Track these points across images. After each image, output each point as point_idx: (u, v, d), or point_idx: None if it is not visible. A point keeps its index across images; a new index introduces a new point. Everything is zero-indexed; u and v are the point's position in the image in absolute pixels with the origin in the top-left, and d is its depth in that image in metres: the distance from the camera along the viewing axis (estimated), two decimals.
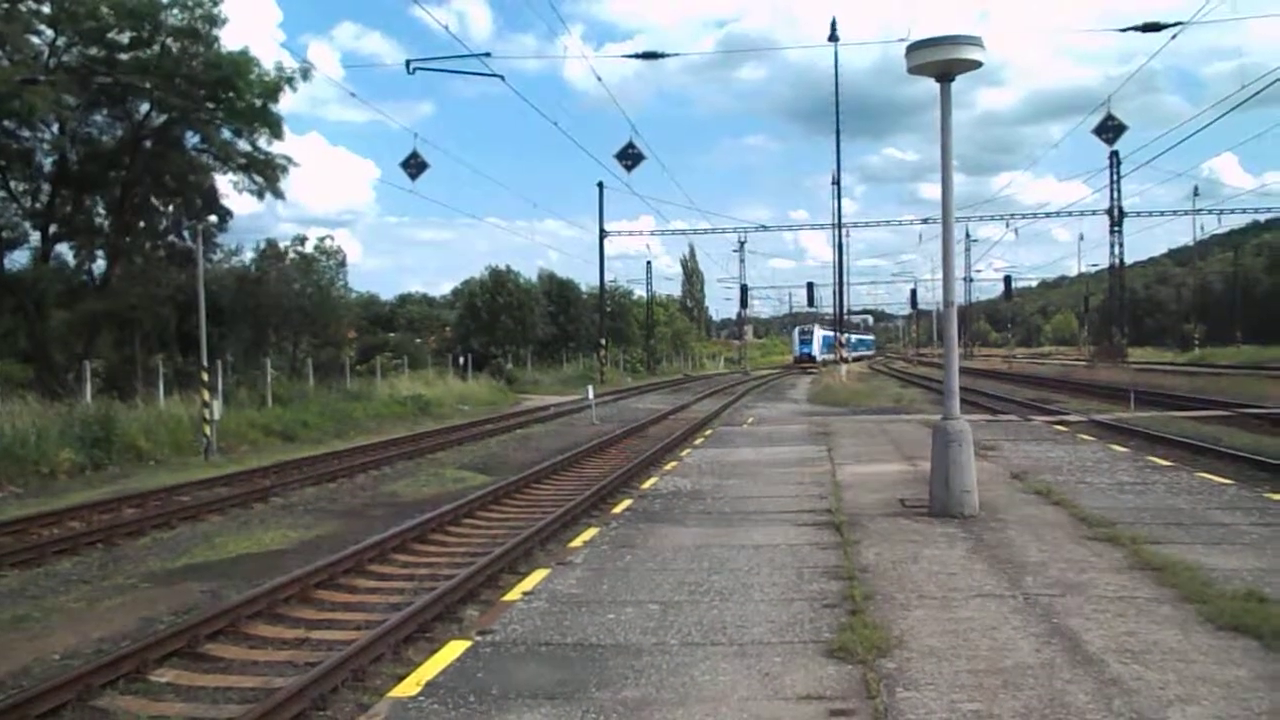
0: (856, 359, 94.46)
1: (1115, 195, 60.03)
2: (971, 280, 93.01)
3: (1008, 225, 64.07)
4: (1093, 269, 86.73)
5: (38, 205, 33.71)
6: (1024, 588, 7.17)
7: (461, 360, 51.32)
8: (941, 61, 9.79)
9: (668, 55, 36.23)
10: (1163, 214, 72.72)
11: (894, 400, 34.98)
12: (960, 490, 10.06)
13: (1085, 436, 18.98)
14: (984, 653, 5.72)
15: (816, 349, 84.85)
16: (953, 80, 10.07)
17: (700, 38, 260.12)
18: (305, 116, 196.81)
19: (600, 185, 62.01)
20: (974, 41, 9.75)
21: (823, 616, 6.61)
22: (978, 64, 9.84)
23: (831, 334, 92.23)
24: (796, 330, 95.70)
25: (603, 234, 64.10)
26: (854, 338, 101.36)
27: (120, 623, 9.10)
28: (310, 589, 9.85)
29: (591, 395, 33.31)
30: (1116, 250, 62.62)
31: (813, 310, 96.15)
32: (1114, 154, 56.24)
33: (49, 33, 31.24)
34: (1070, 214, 69.17)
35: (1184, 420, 23.22)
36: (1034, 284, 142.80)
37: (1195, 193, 69.67)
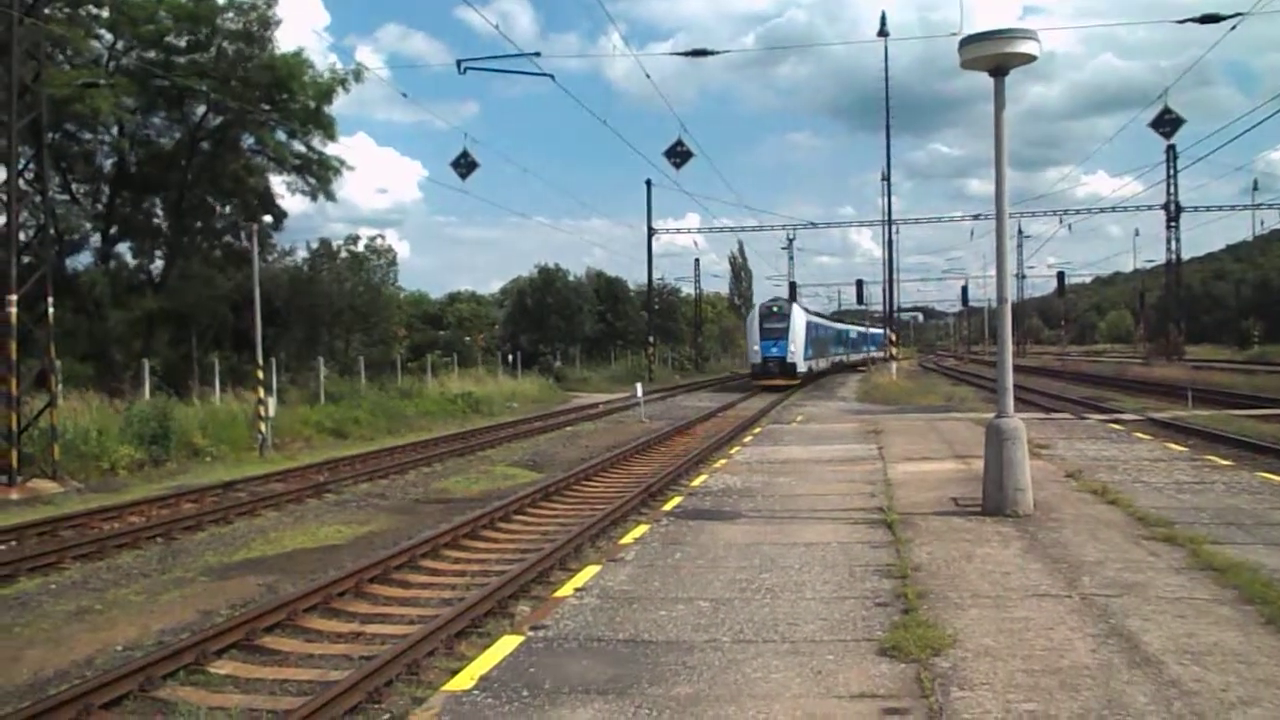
0: (863, 362, 70.70)
1: (1172, 190, 59.00)
2: (1024, 277, 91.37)
3: (1061, 221, 62.96)
4: (1148, 265, 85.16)
5: (98, 206, 34.47)
6: (1080, 588, 7.07)
7: (510, 358, 51.64)
8: (995, 55, 9.66)
9: (715, 52, 35.86)
10: (1220, 209, 71.33)
11: (944, 398, 34.69)
12: (1014, 489, 9.94)
13: (1141, 435, 18.68)
14: (1040, 653, 5.66)
15: (796, 350, 47.58)
16: (1006, 75, 9.95)
17: (741, 35, 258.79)
18: (353, 117, 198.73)
19: (648, 183, 61.78)
20: (1028, 35, 9.62)
21: (875, 615, 6.58)
22: (1032, 58, 9.70)
23: (825, 323, 63.41)
24: (756, 312, 51.45)
25: (651, 232, 64.04)
26: (852, 331, 76.31)
27: (180, 615, 9.29)
28: (364, 584, 9.98)
29: (640, 393, 33.35)
30: (1173, 245, 61.61)
31: (862, 308, 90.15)
32: (1171, 148, 55.26)
33: (108, 37, 31.98)
34: (1125, 209, 67.68)
35: (1243, 419, 22.77)
36: (1088, 280, 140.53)
37: (1255, 187, 68.25)
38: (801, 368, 48.12)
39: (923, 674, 5.35)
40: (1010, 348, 10.51)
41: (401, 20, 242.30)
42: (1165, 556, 7.94)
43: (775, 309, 50.03)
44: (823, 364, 57.07)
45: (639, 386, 34.44)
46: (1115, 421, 22.27)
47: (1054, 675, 5.28)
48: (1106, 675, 5.25)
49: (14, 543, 12.62)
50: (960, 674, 5.34)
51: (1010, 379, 10.42)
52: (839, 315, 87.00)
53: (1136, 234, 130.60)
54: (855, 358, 72.38)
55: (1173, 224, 60.44)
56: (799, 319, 49.19)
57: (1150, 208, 61.27)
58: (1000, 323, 10.61)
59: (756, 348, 48.53)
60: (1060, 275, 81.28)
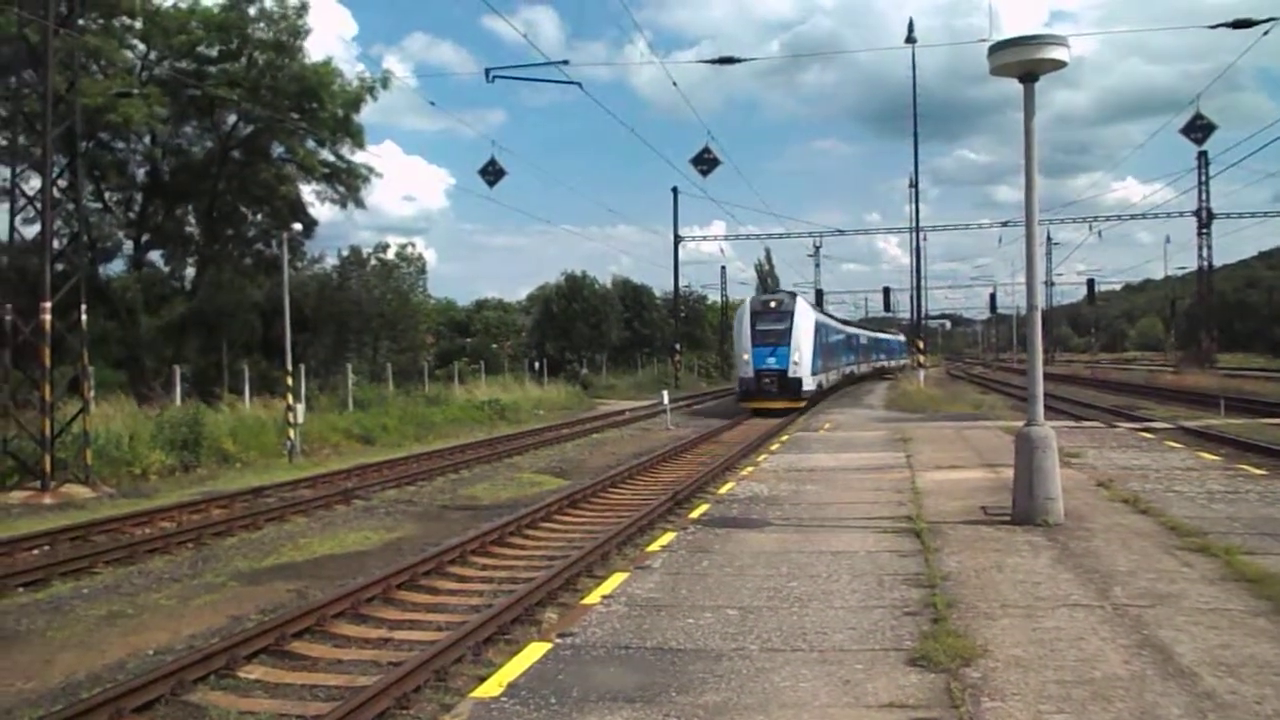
0: (876, 373, 63.93)
1: (1204, 196, 58.50)
2: (1053, 284, 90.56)
3: (1091, 228, 62.46)
4: (1179, 272, 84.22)
5: (131, 214, 34.89)
6: (1112, 598, 7.00)
7: (537, 365, 51.79)
8: (1025, 62, 9.63)
9: (742, 60, 36.03)
10: (1253, 215, 70.46)
11: (973, 406, 34.37)
12: (1044, 498, 9.86)
13: (1173, 444, 18.49)
14: (1071, 663, 5.60)
15: (801, 360, 35.20)
16: (1036, 81, 9.91)
17: (766, 42, 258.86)
18: (381, 126, 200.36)
19: (675, 190, 61.65)
20: (1058, 41, 9.59)
21: (904, 624, 6.54)
22: (1062, 64, 9.66)
23: (836, 325, 49.35)
24: (747, 308, 37.64)
25: (677, 239, 63.94)
26: (863, 335, 63.61)
27: (210, 620, 9.35)
28: (392, 590, 10.02)
29: (666, 400, 33.29)
30: (1205, 252, 61.06)
31: (889, 315, 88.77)
32: (1202, 154, 54.81)
33: (141, 47, 32.38)
34: (1156, 216, 66.88)
35: (1277, 428, 22.51)
36: (1118, 287, 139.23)
37: None
38: (808, 384, 35.59)
39: (953, 684, 5.31)
40: (1040, 355, 10.43)
41: (428, 29, 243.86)
42: (1198, 567, 7.85)
43: (773, 304, 37.07)
44: (834, 377, 43.96)
45: (665, 394, 34.37)
46: (1146, 430, 22.06)
47: (1086, 686, 5.23)
48: (1140, 687, 5.20)
49: (47, 547, 12.76)
50: (991, 684, 5.30)
51: (1040, 386, 10.33)
52: (864, 322, 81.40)
53: (1168, 241, 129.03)
54: (866, 368, 61.82)
55: (1204, 230, 59.95)
56: (805, 318, 36.48)
57: (1181, 214, 60.84)
58: (1030, 330, 10.53)
59: (747, 356, 35.61)
60: (1090, 282, 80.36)
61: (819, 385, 37.85)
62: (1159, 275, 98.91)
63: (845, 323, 57.25)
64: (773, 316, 35.95)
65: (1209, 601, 6.84)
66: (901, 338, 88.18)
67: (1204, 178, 57.50)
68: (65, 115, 19.27)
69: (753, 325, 35.93)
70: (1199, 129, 41.84)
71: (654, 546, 9.67)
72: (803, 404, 34.75)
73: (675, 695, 5.35)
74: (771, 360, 34.99)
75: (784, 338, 35.22)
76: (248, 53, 32.73)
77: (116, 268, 35.31)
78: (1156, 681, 5.27)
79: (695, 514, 11.64)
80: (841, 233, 69.11)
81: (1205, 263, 61.69)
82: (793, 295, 38.85)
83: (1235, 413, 26.48)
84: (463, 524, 14.29)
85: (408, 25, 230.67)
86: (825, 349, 39.97)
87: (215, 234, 36.03)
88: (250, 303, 35.10)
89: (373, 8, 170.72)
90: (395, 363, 40.27)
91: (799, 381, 34.89)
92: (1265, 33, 26.44)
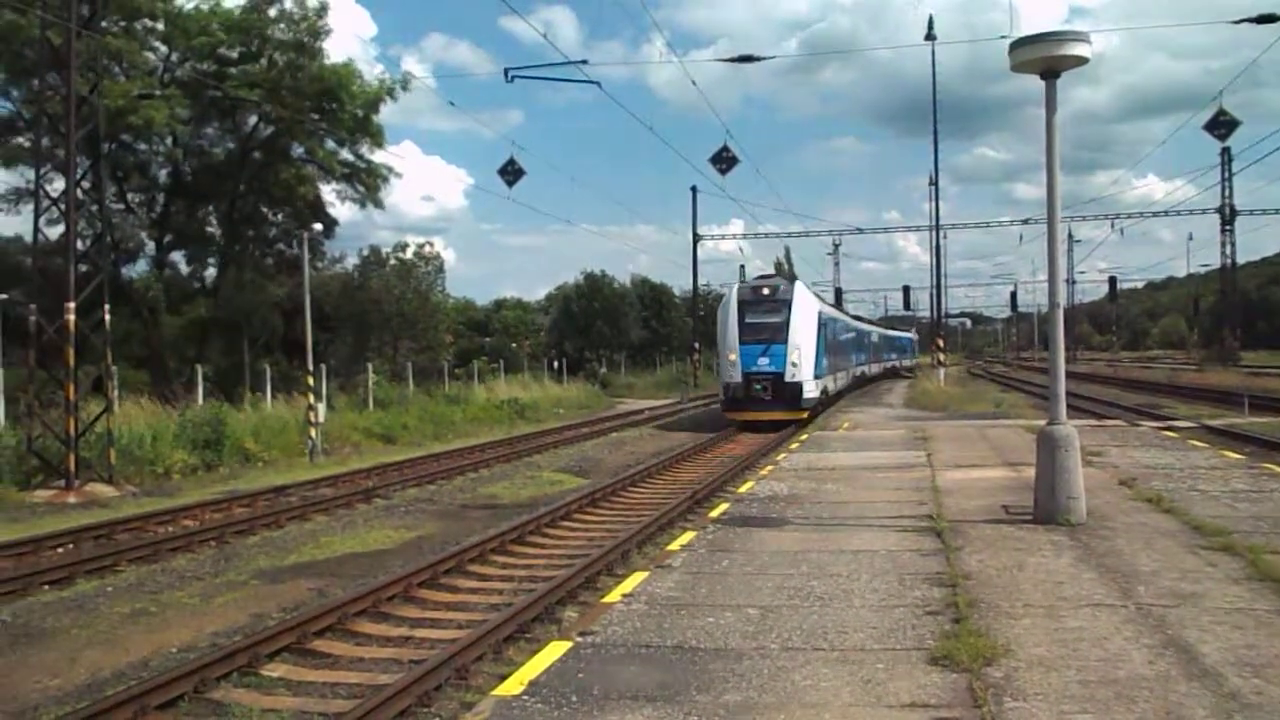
0: (886, 374, 60.85)
1: (1227, 193, 58.01)
2: (1074, 282, 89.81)
3: (1113, 226, 61.92)
4: (1202, 269, 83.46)
5: (153, 215, 35.18)
6: (1135, 598, 6.96)
7: (556, 364, 51.85)
8: (1046, 58, 9.56)
9: (761, 58, 36.09)
10: (1277, 212, 69.64)
11: (994, 405, 34.15)
12: (1066, 497, 9.81)
13: (1196, 442, 18.34)
14: (1094, 663, 5.57)
15: (801, 360, 28.12)
16: (1058, 78, 9.83)
17: (784, 40, 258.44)
18: (399, 126, 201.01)
19: (694, 189, 61.41)
20: (1080, 37, 9.52)
21: (925, 624, 6.51)
22: (1084, 60, 9.59)
23: (841, 318, 42.78)
24: (734, 297, 29.69)
25: (696, 238, 63.76)
26: (874, 331, 57.63)
27: (233, 618, 9.41)
28: (413, 588, 10.05)
29: (685, 399, 33.20)
30: (1228, 250, 60.55)
31: (910, 314, 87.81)
32: (1225, 150, 54.35)
33: (163, 49, 32.63)
34: (1178, 213, 66.21)
35: None
36: (1140, 285, 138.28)
37: None
38: (810, 390, 28.66)
39: (975, 684, 5.28)
40: (1062, 353, 10.38)
41: (446, 30, 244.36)
42: (1223, 566, 7.79)
43: (766, 290, 29.90)
44: (841, 380, 37.58)
45: (684, 393, 34.30)
46: (1169, 429, 21.91)
47: (1110, 686, 5.19)
48: (1164, 686, 5.16)
49: (71, 545, 12.88)
50: (1013, 684, 5.27)
51: (1062, 385, 10.27)
52: (877, 320, 76.08)
53: (1190, 238, 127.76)
54: (877, 368, 56.12)
55: (1227, 228, 59.50)
56: (805, 309, 29.39)
57: (1204, 211, 60.28)
58: (1052, 328, 10.47)
59: (734, 357, 28.67)
60: (1112, 280, 79.90)
61: (823, 391, 31.14)
62: (1181, 273, 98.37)
63: (853, 316, 51.49)
64: (766, 307, 29.09)
65: (1233, 601, 6.79)
66: (913, 335, 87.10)
67: (1227, 174, 57.06)
68: (88, 117, 19.43)
69: (741, 317, 29.01)
70: (1222, 125, 41.51)
71: (674, 545, 9.67)
72: (803, 414, 28.46)
73: (696, 694, 5.35)
74: (764, 361, 28.41)
75: (780, 333, 28.59)
76: (268, 54, 32.96)
77: (139, 268, 35.68)
78: (1181, 682, 5.23)
79: (715, 513, 11.63)
80: (861, 231, 68.29)
81: (1228, 260, 61.16)
82: (791, 280, 33.20)
83: (1259, 411, 26.25)
84: (483, 523, 14.33)
85: (426, 26, 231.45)
86: (831, 347, 33.44)
87: (236, 234, 36.29)
88: (271, 302, 35.31)
89: (391, 8, 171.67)
90: (415, 362, 40.41)
91: (798, 387, 28.26)
92: None
